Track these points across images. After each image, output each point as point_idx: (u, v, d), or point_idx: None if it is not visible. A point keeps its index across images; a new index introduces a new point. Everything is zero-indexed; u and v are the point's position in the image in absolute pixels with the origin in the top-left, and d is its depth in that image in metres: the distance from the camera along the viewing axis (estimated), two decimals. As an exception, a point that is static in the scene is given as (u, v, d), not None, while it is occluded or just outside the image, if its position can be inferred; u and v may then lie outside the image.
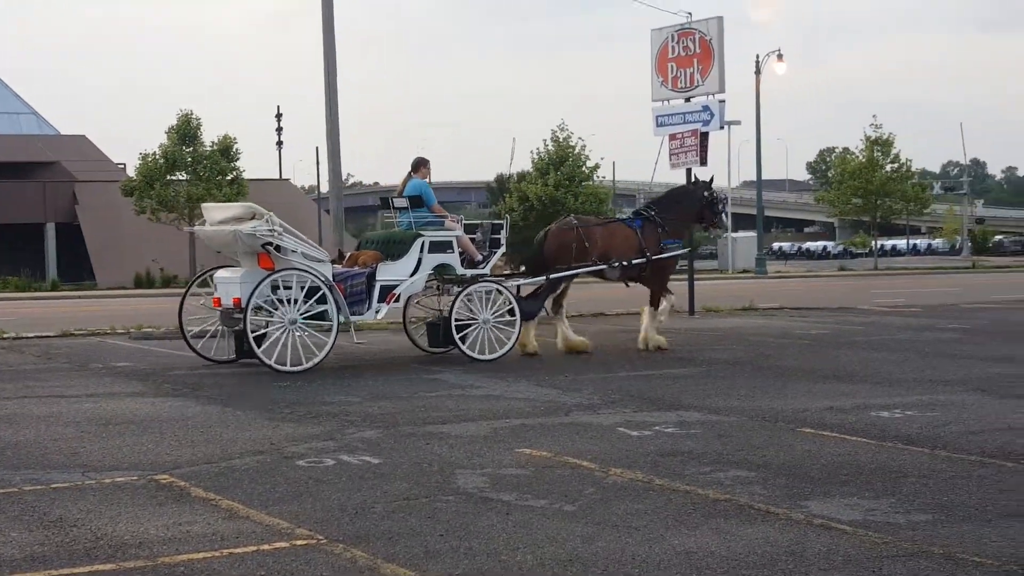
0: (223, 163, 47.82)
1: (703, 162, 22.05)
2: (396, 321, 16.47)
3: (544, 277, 15.49)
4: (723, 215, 17.94)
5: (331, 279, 13.67)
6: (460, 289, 14.71)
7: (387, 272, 14.27)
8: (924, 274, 52.96)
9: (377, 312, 14.31)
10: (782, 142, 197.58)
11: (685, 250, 17.36)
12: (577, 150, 55.78)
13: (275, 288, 13.39)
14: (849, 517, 6.49)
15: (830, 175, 74.52)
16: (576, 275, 15.91)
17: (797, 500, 6.90)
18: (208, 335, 14.30)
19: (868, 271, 56.75)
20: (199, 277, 14.99)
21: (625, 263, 15.78)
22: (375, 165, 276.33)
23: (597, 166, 57.44)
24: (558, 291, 15.71)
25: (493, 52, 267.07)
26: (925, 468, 7.77)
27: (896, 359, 14.50)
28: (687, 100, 22.32)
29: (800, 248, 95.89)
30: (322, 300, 13.46)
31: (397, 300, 14.43)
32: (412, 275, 14.45)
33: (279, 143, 68.82)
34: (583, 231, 15.73)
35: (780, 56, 51.69)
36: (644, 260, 15.82)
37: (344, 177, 38.97)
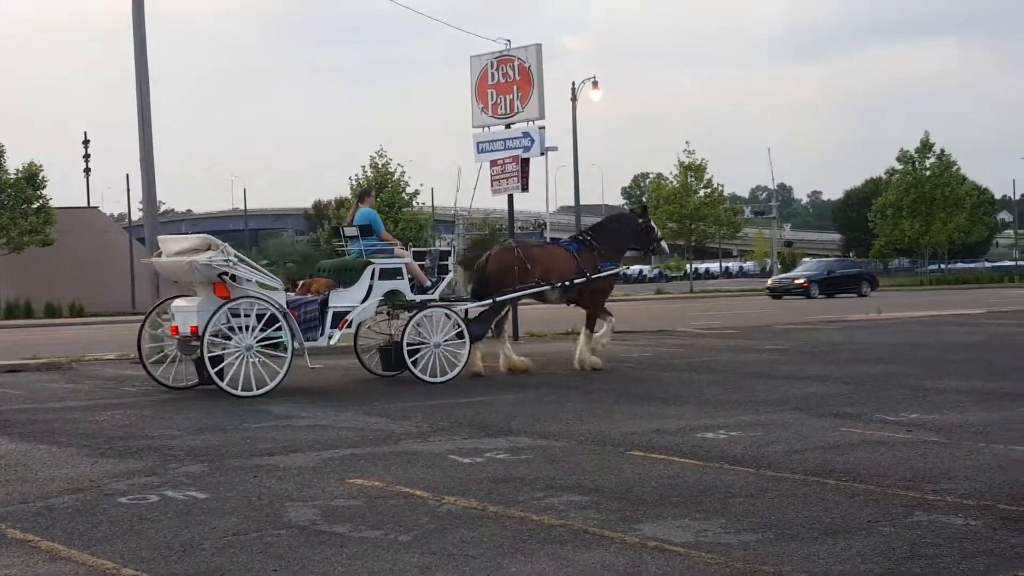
0: (28, 191, 46.27)
1: (524, 188, 22.27)
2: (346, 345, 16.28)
3: (491, 300, 15.97)
4: (661, 241, 18.15)
5: (285, 306, 14.05)
6: (411, 314, 15.10)
7: (339, 299, 14.74)
8: (738, 296, 54.54)
9: (330, 338, 14.69)
10: (598, 167, 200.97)
11: (618, 270, 17.68)
12: (396, 176, 55.68)
13: (233, 315, 13.71)
14: (682, 539, 6.56)
15: (645, 200, 76.08)
16: (521, 297, 16.49)
17: (631, 523, 6.95)
18: (168, 361, 14.60)
19: (684, 294, 58.18)
20: (157, 306, 15.23)
21: (567, 283, 16.27)
22: (187, 191, 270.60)
23: (417, 192, 57.42)
24: (502, 313, 16.24)
25: (314, 78, 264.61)
26: (752, 488, 7.93)
27: (717, 380, 14.84)
28: (507, 127, 22.51)
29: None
30: (277, 327, 13.85)
31: (349, 325, 14.91)
32: (363, 301, 14.92)
33: (87, 170, 66.75)
34: (523, 253, 16.27)
35: (596, 83, 52.61)
36: (584, 279, 16.35)
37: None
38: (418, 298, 15.35)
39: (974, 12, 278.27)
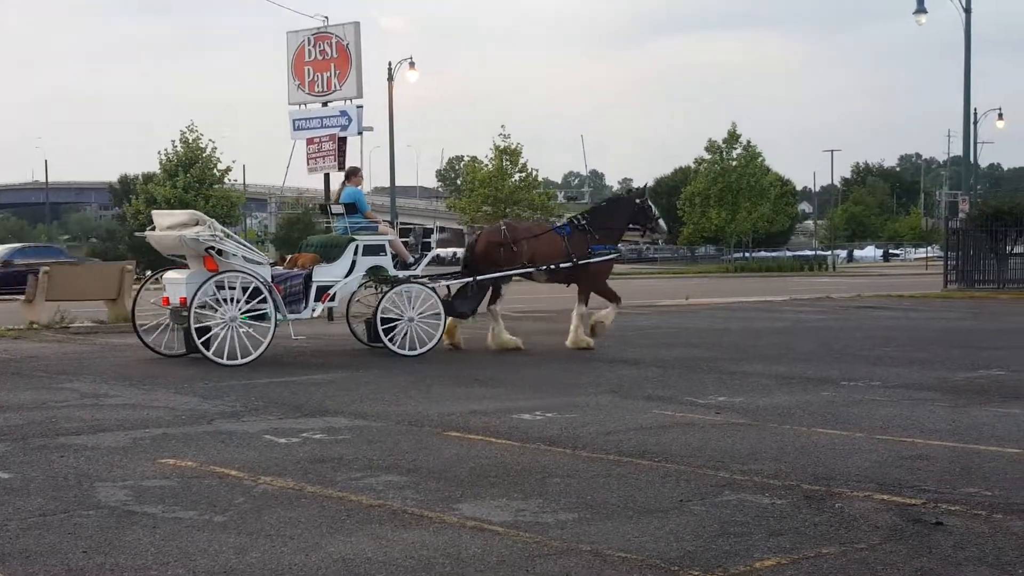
0: None
1: (341, 167, 22.05)
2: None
3: (472, 277, 16.55)
4: (660, 220, 18.19)
5: (270, 280, 14.75)
6: (386, 289, 15.80)
7: (322, 273, 15.45)
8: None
9: (313, 311, 15.43)
10: (412, 149, 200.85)
11: (615, 255, 17.74)
12: (208, 152, 54.49)
13: (220, 288, 14.39)
14: (500, 518, 6.60)
15: (460, 183, 76.26)
16: (504, 277, 16.71)
17: (449, 503, 6.96)
18: (160, 329, 15.36)
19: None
20: (152, 276, 16.40)
21: (551, 267, 16.67)
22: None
23: (229, 169, 56.35)
24: (491, 292, 16.66)
25: (121, 49, 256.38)
26: (568, 468, 8.03)
27: (533, 362, 15.01)
28: (325, 104, 22.25)
29: (438, 255, 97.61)
30: (262, 300, 14.55)
31: (332, 299, 15.64)
32: (346, 276, 15.60)
33: None
34: (511, 235, 16.70)
35: (412, 64, 52.35)
36: (571, 265, 16.64)
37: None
38: (401, 274, 15.97)
39: (790, 6, 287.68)
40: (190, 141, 54.19)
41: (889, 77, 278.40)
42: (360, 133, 22.45)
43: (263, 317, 14.70)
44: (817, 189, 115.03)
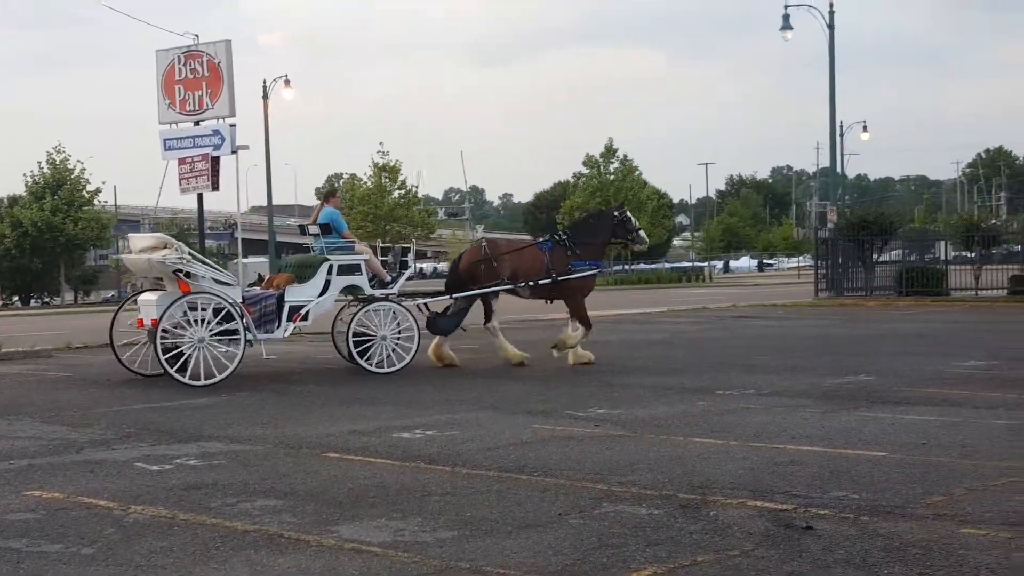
0: None
1: (215, 187, 21.66)
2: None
3: (449, 296, 16.86)
4: (640, 231, 18.02)
5: (238, 301, 14.98)
6: (359, 307, 16.03)
7: (294, 293, 15.67)
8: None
9: (285, 330, 15.62)
10: (290, 167, 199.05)
11: (595, 271, 17.64)
12: (76, 173, 53.27)
13: (192, 309, 14.62)
14: (379, 539, 6.54)
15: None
16: (481, 295, 16.76)
17: (327, 526, 6.88)
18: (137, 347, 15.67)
19: (378, 295, 58.12)
20: (130, 297, 16.74)
21: (531, 283, 16.73)
22: None
23: (98, 190, 55.21)
24: (484, 309, 16.77)
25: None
26: (448, 486, 8.01)
27: (414, 380, 14.93)
28: (196, 124, 21.88)
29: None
30: (233, 321, 14.77)
31: (305, 319, 15.73)
32: (320, 295, 15.78)
33: None
34: (492, 252, 16.91)
35: (287, 82, 51.90)
36: (550, 280, 16.70)
37: None
38: (377, 293, 16.18)
39: (665, 21, 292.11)
40: (57, 162, 52.96)
41: (761, 91, 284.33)
42: (234, 152, 22.04)
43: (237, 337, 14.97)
44: (693, 201, 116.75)
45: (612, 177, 69.79)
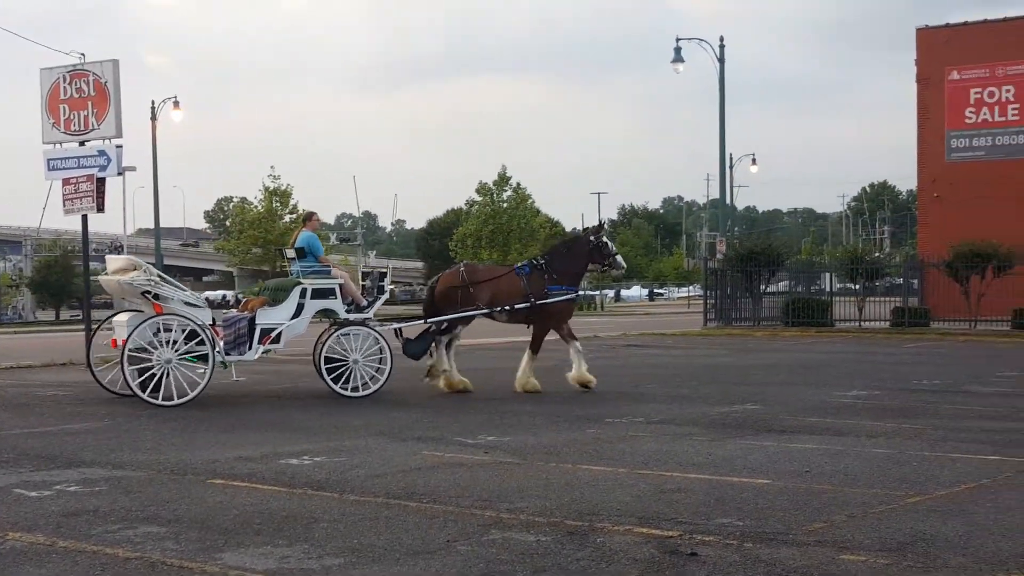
0: None
1: (100, 208, 21.31)
2: None
3: (423, 320, 16.91)
4: (617, 256, 17.69)
5: (206, 323, 15.13)
6: (331, 331, 16.09)
7: (267, 316, 15.76)
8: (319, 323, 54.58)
9: (256, 352, 15.70)
10: (179, 190, 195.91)
11: (572, 296, 17.39)
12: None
13: (167, 329, 14.87)
14: (264, 566, 6.46)
15: (228, 224, 74.85)
16: (455, 320, 16.70)
17: (211, 553, 6.77)
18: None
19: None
20: (108, 318, 16.88)
21: (507, 308, 16.63)
22: None
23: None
24: (448, 333, 16.74)
25: None
26: (335, 512, 7.94)
27: (301, 405, 14.80)
28: (82, 144, 21.49)
29: (207, 298, 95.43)
30: (200, 342, 14.96)
31: (276, 341, 15.80)
32: (292, 319, 15.83)
33: None
34: (468, 277, 16.86)
35: (176, 103, 51.31)
36: (527, 304, 16.61)
37: None
38: (351, 317, 16.15)
39: (559, 53, 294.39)
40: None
41: (654, 122, 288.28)
42: (120, 173, 21.69)
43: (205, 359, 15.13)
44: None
45: (505, 205, 70.08)
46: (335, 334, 16.01)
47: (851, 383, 16.19)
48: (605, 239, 17.74)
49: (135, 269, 15.37)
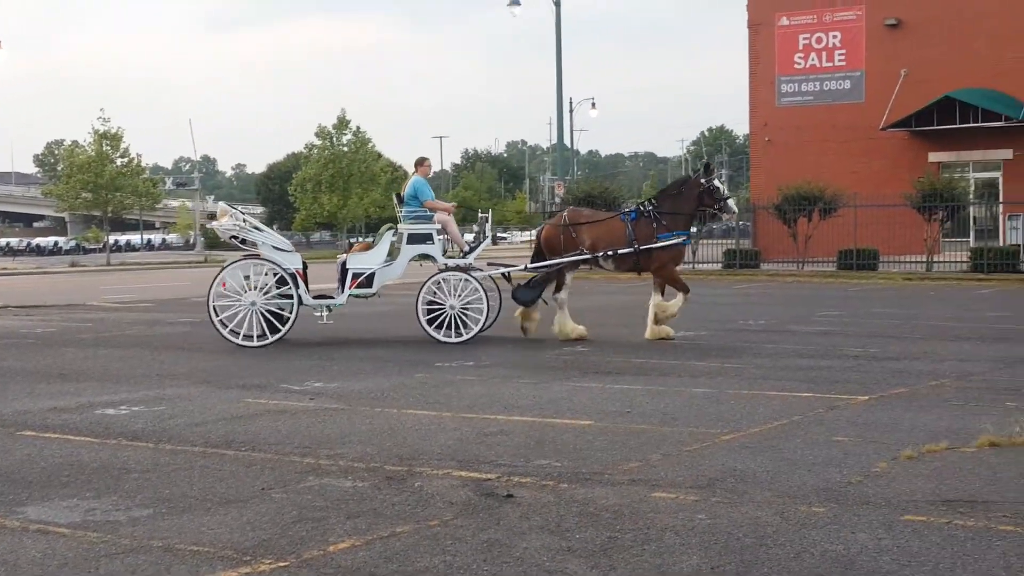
0: None
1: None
2: None
3: (523, 266, 16.83)
4: (728, 200, 16.89)
5: (291, 269, 15.51)
6: (428, 276, 15.90)
7: (357, 261, 16.00)
8: (157, 269, 53.47)
9: (344, 296, 15.90)
10: (5, 133, 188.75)
11: (680, 240, 16.49)
12: None
13: (256, 274, 15.41)
14: (68, 519, 6.28)
15: (59, 169, 72.51)
16: (557, 266, 16.26)
17: (13, 507, 6.55)
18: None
19: (100, 267, 56.17)
20: (230, 264, 16.41)
21: (609, 253, 16.13)
22: None
23: None
24: (556, 280, 16.29)
25: None
26: (149, 463, 7.76)
27: (124, 355, 14.44)
28: None
29: (30, 244, 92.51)
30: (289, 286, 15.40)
31: (368, 285, 15.91)
32: (385, 263, 15.95)
33: None
34: (571, 222, 16.46)
35: None
36: (631, 251, 16.07)
37: None
38: (449, 262, 16.07)
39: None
40: None
41: (495, 66, 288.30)
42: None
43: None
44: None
45: (345, 149, 69.27)
46: (431, 280, 15.81)
47: (677, 324, 16.47)
48: (716, 182, 17.04)
49: (226, 215, 15.99)
